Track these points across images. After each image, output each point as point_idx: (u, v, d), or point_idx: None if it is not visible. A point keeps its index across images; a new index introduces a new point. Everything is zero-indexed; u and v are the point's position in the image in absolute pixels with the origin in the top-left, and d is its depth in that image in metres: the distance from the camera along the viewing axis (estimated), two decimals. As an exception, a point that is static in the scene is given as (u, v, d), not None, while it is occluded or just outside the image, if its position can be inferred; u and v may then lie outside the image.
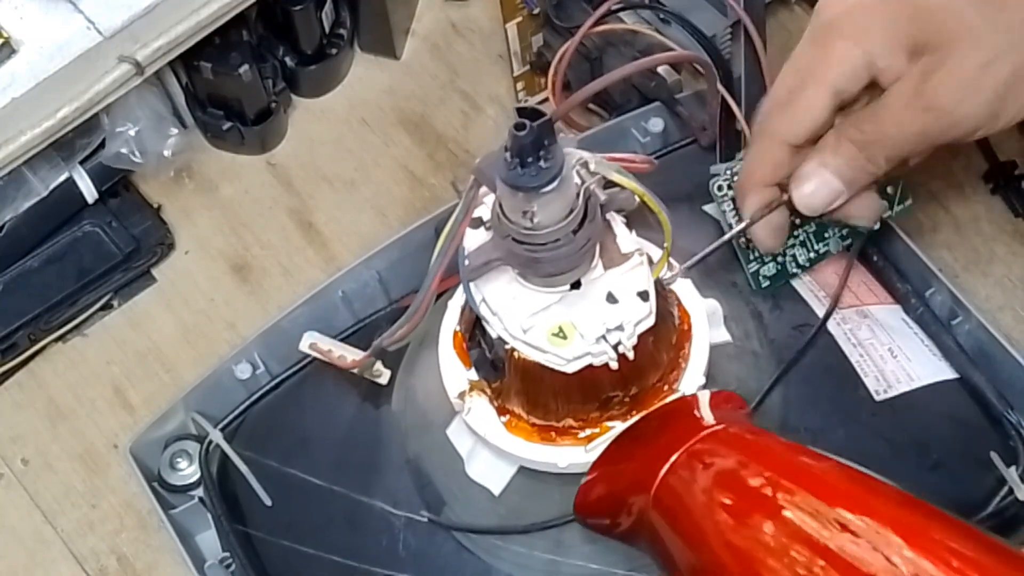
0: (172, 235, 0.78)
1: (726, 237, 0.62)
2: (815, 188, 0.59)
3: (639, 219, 0.56)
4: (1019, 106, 0.57)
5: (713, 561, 0.50)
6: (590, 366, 0.54)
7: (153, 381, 0.74)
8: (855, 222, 0.63)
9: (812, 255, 0.65)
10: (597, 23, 0.70)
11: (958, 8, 0.56)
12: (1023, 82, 0.56)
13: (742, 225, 0.62)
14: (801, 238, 0.65)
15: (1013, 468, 0.61)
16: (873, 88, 0.58)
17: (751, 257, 0.65)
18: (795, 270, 0.65)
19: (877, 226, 0.65)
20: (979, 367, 0.65)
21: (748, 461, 0.52)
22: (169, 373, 0.74)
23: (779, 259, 0.65)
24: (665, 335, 0.57)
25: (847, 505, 0.48)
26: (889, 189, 0.65)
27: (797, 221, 0.64)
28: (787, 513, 0.48)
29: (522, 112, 0.47)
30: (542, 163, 0.48)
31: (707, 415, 0.55)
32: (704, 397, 0.56)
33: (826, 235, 0.65)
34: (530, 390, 0.56)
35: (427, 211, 0.71)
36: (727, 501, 0.50)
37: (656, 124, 0.72)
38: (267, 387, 0.67)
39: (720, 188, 0.63)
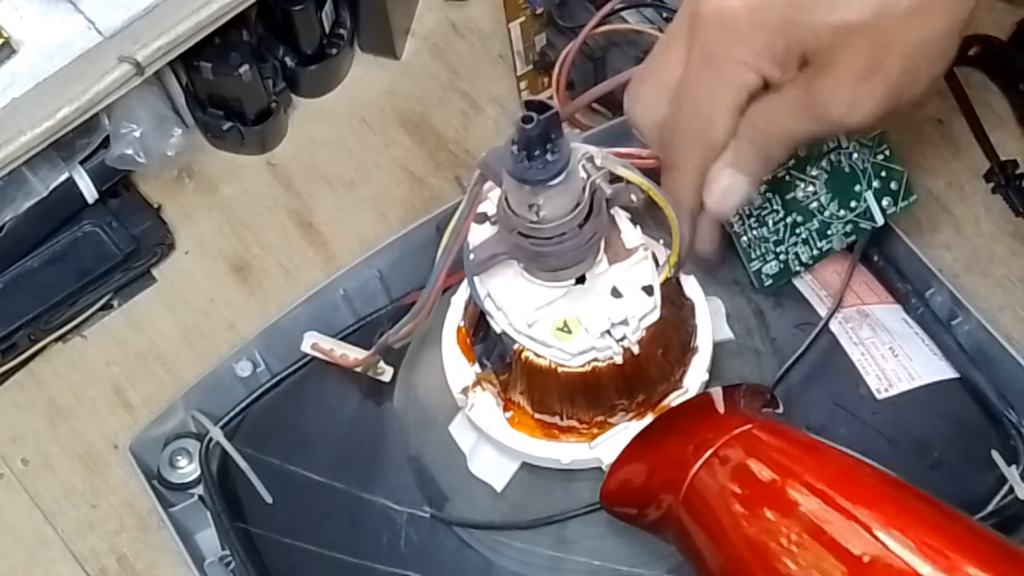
0: (172, 235, 0.78)
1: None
2: (726, 190, 0.58)
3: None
4: (917, 92, 0.55)
5: (744, 567, 0.50)
6: (596, 364, 0.54)
7: (153, 381, 0.74)
8: None
9: (815, 252, 0.65)
10: (600, 23, 0.70)
11: (837, 8, 0.52)
12: (914, 73, 0.53)
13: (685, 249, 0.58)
14: (804, 235, 0.65)
15: (1014, 467, 0.61)
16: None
17: (753, 256, 0.64)
18: (798, 268, 0.65)
19: (881, 222, 0.65)
20: (979, 367, 0.65)
21: (779, 464, 0.52)
22: (169, 373, 0.74)
23: (781, 257, 0.65)
24: (678, 342, 0.57)
25: (882, 512, 0.49)
26: (892, 185, 0.65)
27: (800, 219, 0.64)
28: (816, 518, 0.49)
29: (529, 105, 0.47)
30: (549, 156, 0.48)
31: (735, 412, 0.54)
32: (720, 393, 0.55)
33: (829, 232, 0.65)
34: (535, 392, 0.56)
35: (427, 211, 0.71)
36: (758, 506, 0.50)
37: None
38: (268, 385, 0.67)
39: None
